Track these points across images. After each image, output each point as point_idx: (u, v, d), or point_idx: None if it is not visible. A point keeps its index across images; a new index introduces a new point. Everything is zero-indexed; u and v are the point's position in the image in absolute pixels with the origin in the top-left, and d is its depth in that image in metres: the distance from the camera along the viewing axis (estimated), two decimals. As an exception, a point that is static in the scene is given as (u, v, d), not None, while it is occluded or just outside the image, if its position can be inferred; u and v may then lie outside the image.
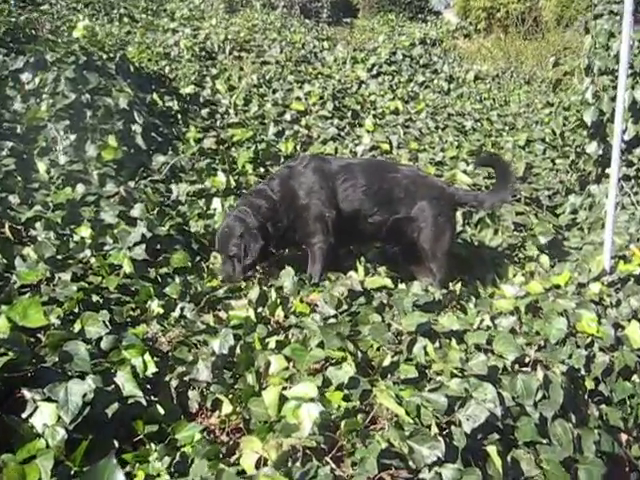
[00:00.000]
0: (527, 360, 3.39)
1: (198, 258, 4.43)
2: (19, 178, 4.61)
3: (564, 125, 7.66)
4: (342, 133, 7.33)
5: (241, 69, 8.94)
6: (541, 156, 7.74)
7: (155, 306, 3.62)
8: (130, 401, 2.83)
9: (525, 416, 3.00)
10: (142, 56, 8.38)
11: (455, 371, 3.08)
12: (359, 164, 4.63)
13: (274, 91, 8.33)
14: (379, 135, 7.21)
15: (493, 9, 18.42)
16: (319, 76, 9.45)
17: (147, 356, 3.04)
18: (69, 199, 4.50)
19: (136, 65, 7.08)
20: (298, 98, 8.08)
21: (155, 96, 6.54)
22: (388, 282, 3.97)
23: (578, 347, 3.67)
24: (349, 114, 8.04)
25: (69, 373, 2.75)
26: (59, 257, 3.95)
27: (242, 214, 4.19)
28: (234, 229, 4.15)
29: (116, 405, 2.72)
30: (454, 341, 3.37)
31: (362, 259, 4.21)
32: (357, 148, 6.82)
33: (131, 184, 4.97)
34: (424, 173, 5.16)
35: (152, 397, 2.94)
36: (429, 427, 2.72)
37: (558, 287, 4.34)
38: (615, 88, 5.48)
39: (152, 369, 3.02)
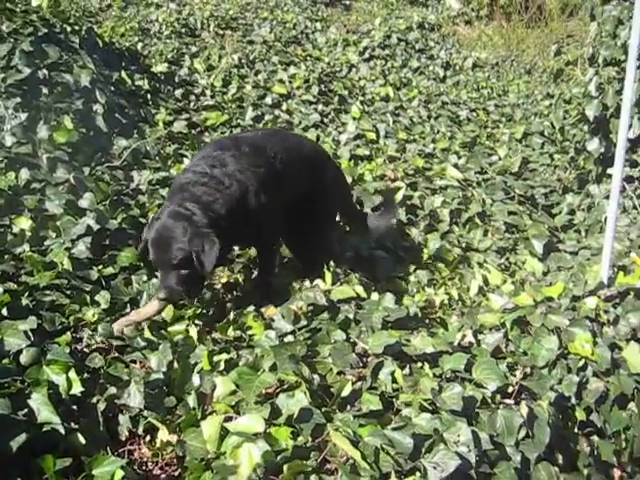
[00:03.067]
0: (510, 390, 2.97)
1: (152, 255, 3.98)
2: (-44, 161, 4.16)
3: (564, 119, 7.20)
4: (326, 120, 6.86)
5: (222, 48, 8.44)
6: (539, 150, 7.29)
7: (91, 314, 3.19)
8: (45, 429, 2.43)
9: (504, 461, 2.57)
10: (117, 31, 7.90)
11: (425, 404, 2.66)
12: (271, 136, 4.08)
13: (256, 73, 7.84)
14: (366, 123, 6.74)
15: (496, -5, 17.85)
16: (308, 58, 8.97)
17: (72, 373, 2.65)
18: (11, 185, 4.07)
19: (105, 40, 6.59)
20: (281, 81, 7.59)
21: (123, 74, 6.06)
22: (360, 290, 3.55)
23: (569, 371, 3.25)
24: (335, 99, 7.55)
25: (-28, 396, 2.34)
26: (-9, 252, 3.54)
27: (183, 209, 3.24)
28: (175, 229, 3.18)
29: (24, 436, 2.31)
30: (427, 366, 2.94)
31: (332, 264, 3.77)
32: (340, 136, 6.36)
33: (86, 170, 4.52)
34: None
35: (73, 423, 2.53)
36: (387, 476, 2.30)
37: (551, 300, 3.90)
38: (621, 80, 5.08)
39: (78, 388, 2.64)
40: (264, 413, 2.54)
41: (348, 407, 2.68)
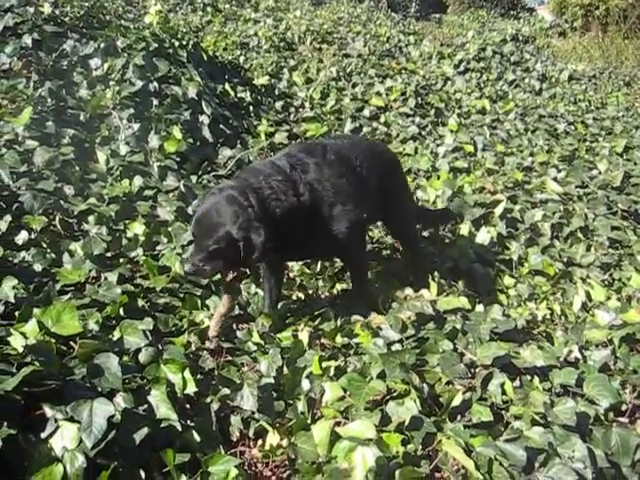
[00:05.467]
0: (624, 408, 2.88)
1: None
2: (77, 168, 4.39)
3: (670, 132, 6.94)
4: (423, 132, 6.86)
5: (320, 61, 8.59)
6: (641, 165, 7.04)
7: (202, 317, 3.31)
8: (163, 424, 2.52)
9: (621, 481, 2.51)
10: (219, 45, 8.15)
11: (537, 417, 2.62)
12: (356, 144, 3.95)
13: (354, 85, 7.94)
14: (463, 135, 6.71)
15: (592, 6, 17.36)
16: (403, 71, 8.99)
17: (187, 373, 2.73)
18: (125, 192, 4.27)
19: (210, 54, 6.83)
20: (378, 93, 7.66)
21: (227, 86, 6.27)
22: (464, 302, 3.52)
23: (685, 392, 3.13)
24: (432, 112, 7.57)
25: (98, 389, 2.46)
26: (109, 255, 3.72)
27: (243, 198, 3.02)
28: (226, 213, 2.97)
29: (146, 430, 2.40)
30: (537, 379, 2.89)
31: (436, 274, 3.77)
32: (438, 149, 6.34)
33: (193, 178, 4.69)
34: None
35: (189, 421, 2.62)
36: (500, 488, 2.29)
37: (661, 317, 3.78)
38: None
39: (192, 388, 2.72)
40: (374, 419, 2.57)
41: (458, 417, 2.68)
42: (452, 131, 6.91)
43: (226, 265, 3.08)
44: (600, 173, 6.67)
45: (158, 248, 3.89)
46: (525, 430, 2.55)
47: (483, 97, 8.56)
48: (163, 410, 2.53)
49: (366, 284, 3.80)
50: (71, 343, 2.71)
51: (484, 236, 4.87)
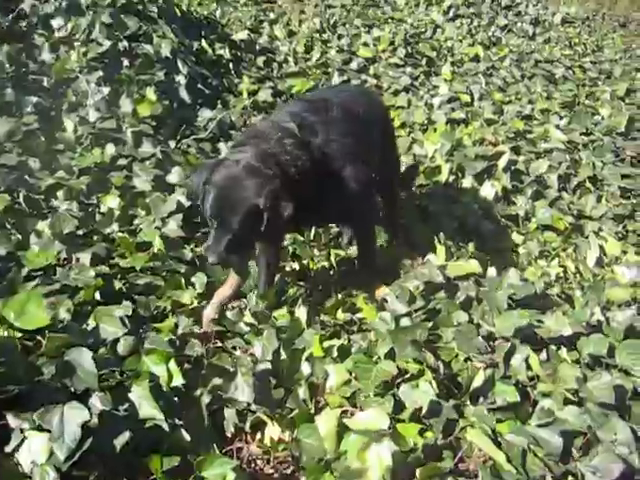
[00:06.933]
0: (663, 378, 2.59)
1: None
2: (42, 139, 4.05)
3: (673, 72, 6.60)
4: (416, 83, 6.51)
5: (302, 12, 8.21)
6: (646, 108, 6.70)
7: (187, 297, 2.98)
8: (148, 425, 2.22)
9: (671, 465, 2.21)
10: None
11: (569, 395, 2.32)
12: (355, 95, 3.78)
13: (339, 37, 7.56)
14: (458, 85, 6.36)
15: (581, -55, 16.82)
16: (390, 20, 8.61)
17: (173, 364, 2.42)
18: (97, 162, 3.94)
19: (183, 9, 6.45)
20: (365, 44, 7.28)
21: (204, 43, 5.93)
22: (475, 265, 3.19)
23: None
24: (423, 62, 7.20)
25: (71, 390, 2.16)
26: (80, 233, 3.39)
27: (263, 166, 2.73)
28: (249, 184, 2.67)
29: (127, 433, 2.10)
30: (564, 350, 2.59)
31: (441, 235, 3.44)
32: (433, 100, 5.97)
33: (171, 144, 4.36)
34: None
35: (177, 419, 2.31)
36: (535, 481, 2.00)
37: (687, 270, 3.49)
38: None
39: (179, 381, 2.40)
40: (387, 407, 2.27)
41: (480, 399, 2.38)
42: (446, 80, 6.56)
43: (251, 244, 2.87)
44: (603, 118, 6.34)
45: (135, 222, 3.57)
46: (557, 410, 2.26)
47: (475, 44, 8.20)
48: (147, 408, 2.24)
49: (374, 251, 3.47)
50: (38, 337, 2.39)
51: (488, 191, 4.57)
